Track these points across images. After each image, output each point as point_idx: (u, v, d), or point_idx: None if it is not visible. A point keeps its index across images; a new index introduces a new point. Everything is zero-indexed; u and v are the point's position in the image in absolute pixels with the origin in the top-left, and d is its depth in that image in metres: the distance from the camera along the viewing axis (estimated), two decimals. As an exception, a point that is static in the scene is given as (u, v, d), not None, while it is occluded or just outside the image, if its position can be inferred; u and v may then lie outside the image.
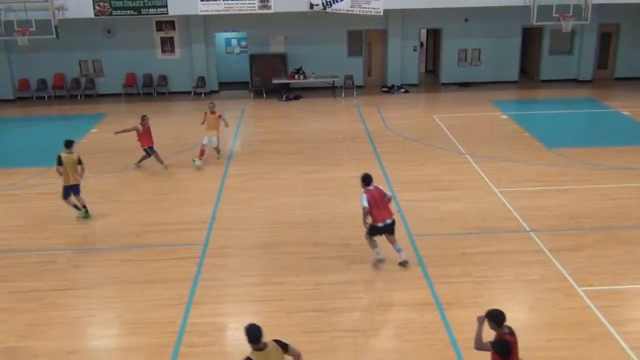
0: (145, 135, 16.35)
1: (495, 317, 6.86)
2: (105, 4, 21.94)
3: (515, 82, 26.36)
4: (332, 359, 8.74)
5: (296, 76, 24.79)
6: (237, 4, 22.27)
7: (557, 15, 22.01)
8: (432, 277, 10.79)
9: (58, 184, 13.87)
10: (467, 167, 16.14)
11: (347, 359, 8.72)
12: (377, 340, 9.29)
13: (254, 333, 7.07)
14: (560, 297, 10.14)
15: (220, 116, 16.94)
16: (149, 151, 16.48)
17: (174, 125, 21.38)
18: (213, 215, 13.59)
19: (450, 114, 21.59)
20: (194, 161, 16.66)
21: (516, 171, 15.25)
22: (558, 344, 8.98)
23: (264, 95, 25.01)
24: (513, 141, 18.31)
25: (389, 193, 11.08)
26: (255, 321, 9.73)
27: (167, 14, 22.66)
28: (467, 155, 17.03)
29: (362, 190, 10.93)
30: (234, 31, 26.38)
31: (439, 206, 13.77)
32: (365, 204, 10.64)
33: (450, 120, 20.81)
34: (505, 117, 21.15)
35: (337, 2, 21.97)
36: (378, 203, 10.74)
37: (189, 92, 25.46)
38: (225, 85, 26.52)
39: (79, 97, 25.42)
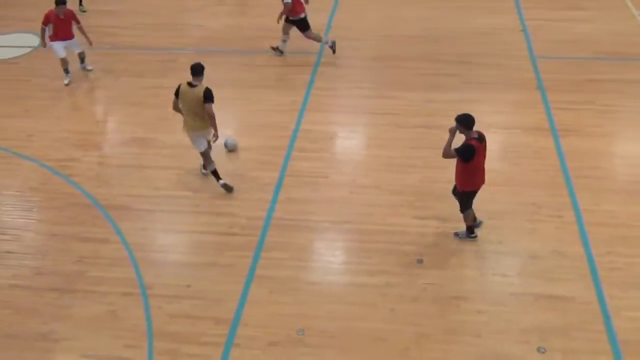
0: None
1: (465, 120, 6.93)
2: None
3: None
4: (438, 175, 8.85)
5: None
6: None
7: None
8: (552, 102, 10.36)
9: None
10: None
11: (451, 177, 8.79)
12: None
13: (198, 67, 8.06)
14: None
15: None
16: None
17: None
18: (329, 24, 13.38)
19: None
20: None
21: None
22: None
23: None
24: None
25: None
26: (365, 133, 10.03)
27: None
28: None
29: None
30: None
31: (570, 27, 12.79)
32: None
33: None
34: None
35: None
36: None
37: None
38: None
39: None
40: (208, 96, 8.09)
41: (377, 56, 12.09)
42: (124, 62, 12.23)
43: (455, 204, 7.67)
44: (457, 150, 6.99)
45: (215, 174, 8.71)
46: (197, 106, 8.16)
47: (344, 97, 10.89)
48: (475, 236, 7.81)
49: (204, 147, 8.61)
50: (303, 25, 11.80)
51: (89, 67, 11.83)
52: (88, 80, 11.72)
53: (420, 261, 7.52)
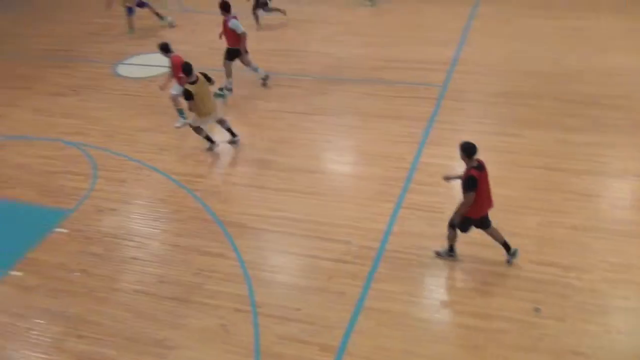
0: None
1: (468, 149, 7.09)
2: None
3: None
4: (561, 219, 8.49)
5: None
6: None
7: None
8: (692, 152, 9.68)
9: (305, 10, 14.31)
10: None
11: (576, 222, 8.42)
12: (614, 210, 8.73)
13: (188, 67, 9.86)
14: None
15: None
16: None
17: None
18: (455, 56, 13.28)
19: None
20: None
21: None
22: None
23: None
24: None
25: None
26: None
27: None
28: None
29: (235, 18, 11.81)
30: None
31: None
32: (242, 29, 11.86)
33: None
34: None
35: None
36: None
37: None
38: None
39: None
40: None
41: (502, 92, 11.85)
42: (246, 87, 12.70)
43: (581, 252, 7.30)
44: (462, 182, 7.19)
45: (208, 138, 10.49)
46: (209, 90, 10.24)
47: (466, 132, 10.70)
48: (455, 256, 7.87)
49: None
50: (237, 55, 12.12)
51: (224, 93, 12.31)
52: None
53: (537, 310, 7.20)
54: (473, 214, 7.43)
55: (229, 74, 12.28)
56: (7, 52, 15.24)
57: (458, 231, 7.71)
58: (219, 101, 11.58)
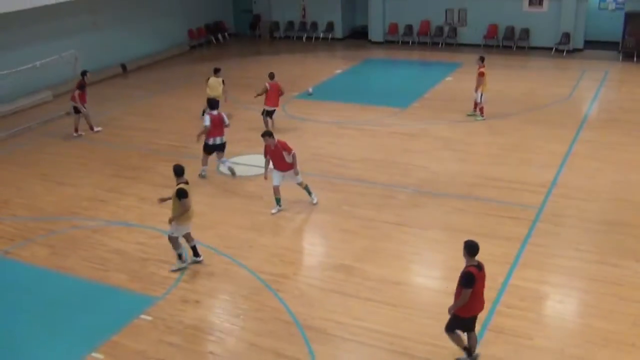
0: (270, 95, 16.13)
1: (470, 247, 7.41)
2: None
3: None
4: (663, 362, 7.81)
5: (679, 40, 21.73)
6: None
7: None
8: None
9: (409, 125, 14.63)
10: None
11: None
12: None
13: (179, 169, 10.25)
14: None
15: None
16: (266, 114, 16.25)
17: (528, 82, 20.68)
18: (554, 179, 12.99)
19: None
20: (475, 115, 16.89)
21: None
22: None
23: (635, 59, 22.54)
24: None
25: (228, 121, 13.54)
26: (582, 300, 9.27)
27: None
28: None
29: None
30: (613, -15, 24.12)
31: None
32: (208, 123, 13.20)
33: None
34: None
35: None
36: (217, 125, 13.33)
37: (550, 49, 24.28)
38: (591, 44, 24.62)
39: (440, 45, 26.23)
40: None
41: (603, 220, 11.37)
42: (344, 192, 12.92)
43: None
44: (460, 277, 7.38)
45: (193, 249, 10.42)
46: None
47: (561, 257, 10.28)
48: (476, 355, 7.78)
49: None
50: (219, 149, 13.58)
51: (314, 201, 12.43)
52: (305, 202, 12.48)
53: None
54: (464, 312, 7.53)
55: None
56: (124, 144, 16.37)
57: (458, 332, 7.75)
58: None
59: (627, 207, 11.75)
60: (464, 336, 7.84)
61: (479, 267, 7.45)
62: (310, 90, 20.10)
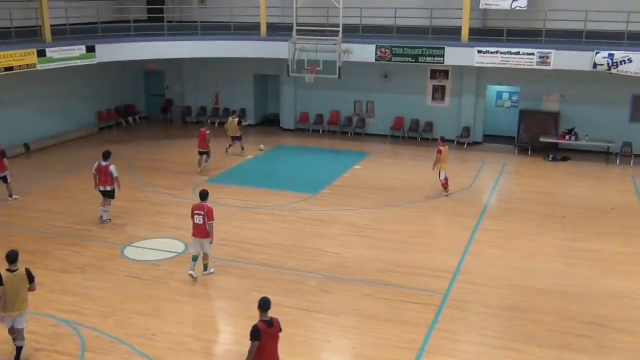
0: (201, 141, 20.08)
1: (261, 303, 8.10)
2: (387, 51, 23.18)
3: None
4: None
5: (567, 137, 23.47)
6: (515, 58, 21.93)
7: None
8: (702, 384, 9.29)
9: (320, 211, 14.78)
10: None
11: None
12: None
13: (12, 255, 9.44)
14: None
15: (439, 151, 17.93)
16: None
17: (433, 172, 21.52)
18: (458, 266, 13.39)
19: None
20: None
21: None
22: None
23: (529, 152, 24.09)
24: None
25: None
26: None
27: (443, 63, 23.18)
28: None
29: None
30: (507, 85, 25.99)
31: None
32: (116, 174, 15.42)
33: None
34: None
35: (625, 63, 20.41)
36: (101, 174, 15.34)
37: (452, 141, 25.59)
38: (490, 138, 26.14)
39: (349, 134, 27.07)
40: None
41: (505, 306, 11.73)
42: (252, 278, 12.75)
43: None
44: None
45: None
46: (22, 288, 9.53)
47: (467, 343, 10.46)
48: None
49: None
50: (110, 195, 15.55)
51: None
52: (213, 287, 12.20)
53: None
54: None
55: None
56: (20, 226, 15.58)
57: None
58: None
59: (526, 294, 12.20)
60: None
61: (270, 323, 8.02)
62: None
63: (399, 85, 26.05)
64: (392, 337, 10.54)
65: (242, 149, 22.92)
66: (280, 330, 8.21)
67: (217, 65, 27.13)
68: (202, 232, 12.52)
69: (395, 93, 26.20)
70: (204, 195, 12.88)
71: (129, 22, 24.24)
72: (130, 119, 28.55)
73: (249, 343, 10.14)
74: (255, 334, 7.88)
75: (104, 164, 15.34)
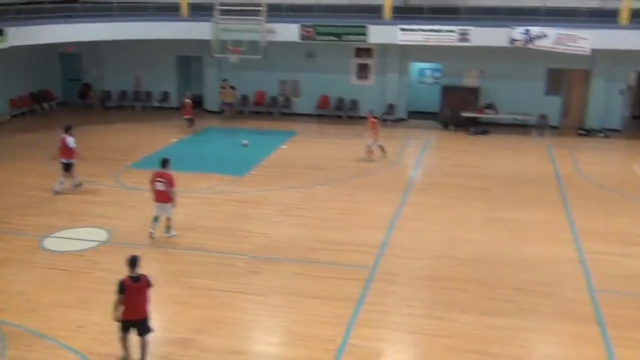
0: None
1: (129, 261, 8.89)
2: (311, 30, 23.19)
3: None
4: (489, 407, 8.29)
5: (486, 111, 24.21)
6: (436, 35, 22.38)
7: None
8: (612, 338, 9.86)
9: (247, 192, 14.70)
10: (668, 225, 14.63)
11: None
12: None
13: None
14: None
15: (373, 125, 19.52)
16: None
17: (357, 149, 21.78)
18: (385, 241, 13.63)
19: (655, 166, 19.72)
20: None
21: None
22: None
23: (452, 127, 24.71)
24: None
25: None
26: (415, 353, 9.66)
27: (367, 41, 23.38)
28: (670, 212, 15.44)
29: None
30: (429, 62, 26.48)
31: (629, 262, 12.59)
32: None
33: (655, 172, 19.00)
34: None
35: (540, 38, 21.14)
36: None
37: (377, 118, 25.83)
38: (413, 114, 26.64)
39: (275, 114, 26.98)
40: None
41: (430, 276, 12.05)
42: (179, 263, 12.59)
43: None
44: None
45: None
46: None
47: (395, 315, 10.70)
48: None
49: None
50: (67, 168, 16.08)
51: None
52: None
53: None
54: (122, 316, 8.82)
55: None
56: None
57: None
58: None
59: (451, 264, 12.57)
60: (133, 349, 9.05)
61: (136, 279, 8.80)
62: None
63: (323, 64, 26.12)
64: (322, 313, 10.65)
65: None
66: (148, 286, 8.99)
67: (137, 46, 26.38)
68: (163, 197, 13.26)
69: (320, 72, 26.27)
70: (164, 163, 13.38)
71: (41, 2, 23.18)
72: (45, 105, 27.43)
73: (177, 328, 10.22)
74: (119, 287, 8.76)
75: (63, 135, 16.03)
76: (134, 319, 8.94)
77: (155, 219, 13.47)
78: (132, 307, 8.85)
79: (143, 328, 9.08)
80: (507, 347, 9.67)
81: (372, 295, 11.27)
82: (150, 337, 9.17)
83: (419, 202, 16.12)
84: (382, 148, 20.06)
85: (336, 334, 9.96)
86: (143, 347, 9.13)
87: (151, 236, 13.40)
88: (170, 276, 12.01)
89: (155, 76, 27.87)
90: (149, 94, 28.21)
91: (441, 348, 9.65)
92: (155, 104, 28.08)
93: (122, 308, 8.84)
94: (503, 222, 14.79)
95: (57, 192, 16.24)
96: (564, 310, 10.74)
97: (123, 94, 28.40)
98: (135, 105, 27.95)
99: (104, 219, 14.51)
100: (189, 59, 28.11)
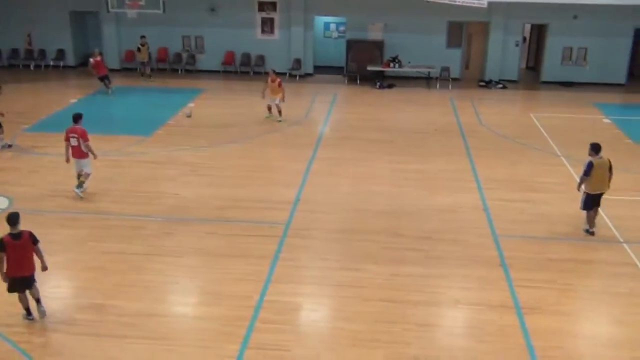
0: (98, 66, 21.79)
1: (7, 219, 8.84)
2: (212, -18, 22.53)
3: (622, 85, 25.07)
4: (403, 351, 8.69)
5: (391, 64, 24.60)
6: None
7: None
8: (515, 280, 10.52)
9: (155, 152, 14.37)
10: (561, 170, 15.57)
11: (418, 352, 8.66)
12: (450, 337, 9.15)
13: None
14: (650, 314, 9.65)
15: (280, 84, 18.88)
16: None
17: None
18: (297, 196, 13.77)
19: (549, 114, 20.82)
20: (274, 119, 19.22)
21: (613, 179, 14.46)
22: (643, 363, 8.57)
23: (358, 81, 24.97)
24: (613, 147, 17.22)
25: None
26: (331, 305, 9.94)
27: (270, -5, 23.05)
28: (562, 158, 16.42)
29: None
30: (333, 15, 26.45)
31: (528, 208, 13.36)
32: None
33: (548, 120, 20.07)
34: (607, 121, 20.18)
35: (440, -9, 21.54)
36: None
37: (284, 74, 25.76)
38: (320, 69, 26.68)
39: (179, 72, 26.28)
40: None
41: (343, 229, 12.33)
42: (88, 227, 12.23)
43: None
44: None
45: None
46: None
47: (310, 269, 10.92)
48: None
49: None
50: None
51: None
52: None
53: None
54: (8, 274, 8.91)
55: None
56: None
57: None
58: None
59: (361, 216, 12.90)
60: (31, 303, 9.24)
61: (17, 236, 8.80)
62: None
63: (227, 19, 25.56)
64: (238, 271, 10.71)
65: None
66: (33, 242, 8.95)
67: (27, 0, 24.74)
68: (79, 152, 13.24)
69: (224, 27, 25.70)
70: (76, 118, 13.40)
71: None
72: None
73: (90, 294, 10.00)
74: (1, 245, 8.74)
75: None
76: (19, 276, 8.99)
77: (78, 176, 13.43)
78: (16, 264, 8.88)
79: (30, 284, 9.19)
80: (419, 294, 10.11)
81: (287, 250, 11.43)
82: (37, 284, 9.29)
83: (329, 157, 16.32)
84: (269, 108, 19.38)
85: (253, 290, 10.07)
86: (34, 294, 9.28)
87: (78, 195, 13.35)
88: (80, 241, 11.66)
89: (49, 34, 26.34)
90: (43, 52, 26.68)
91: (356, 299, 9.96)
92: (50, 62, 26.63)
93: (5, 266, 8.85)
94: (410, 173, 15.26)
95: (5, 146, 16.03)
96: (470, 256, 11.31)
97: (15, 52, 26.71)
98: (29, 65, 26.39)
99: (3, 185, 13.80)
100: (84, 15, 26.73)
